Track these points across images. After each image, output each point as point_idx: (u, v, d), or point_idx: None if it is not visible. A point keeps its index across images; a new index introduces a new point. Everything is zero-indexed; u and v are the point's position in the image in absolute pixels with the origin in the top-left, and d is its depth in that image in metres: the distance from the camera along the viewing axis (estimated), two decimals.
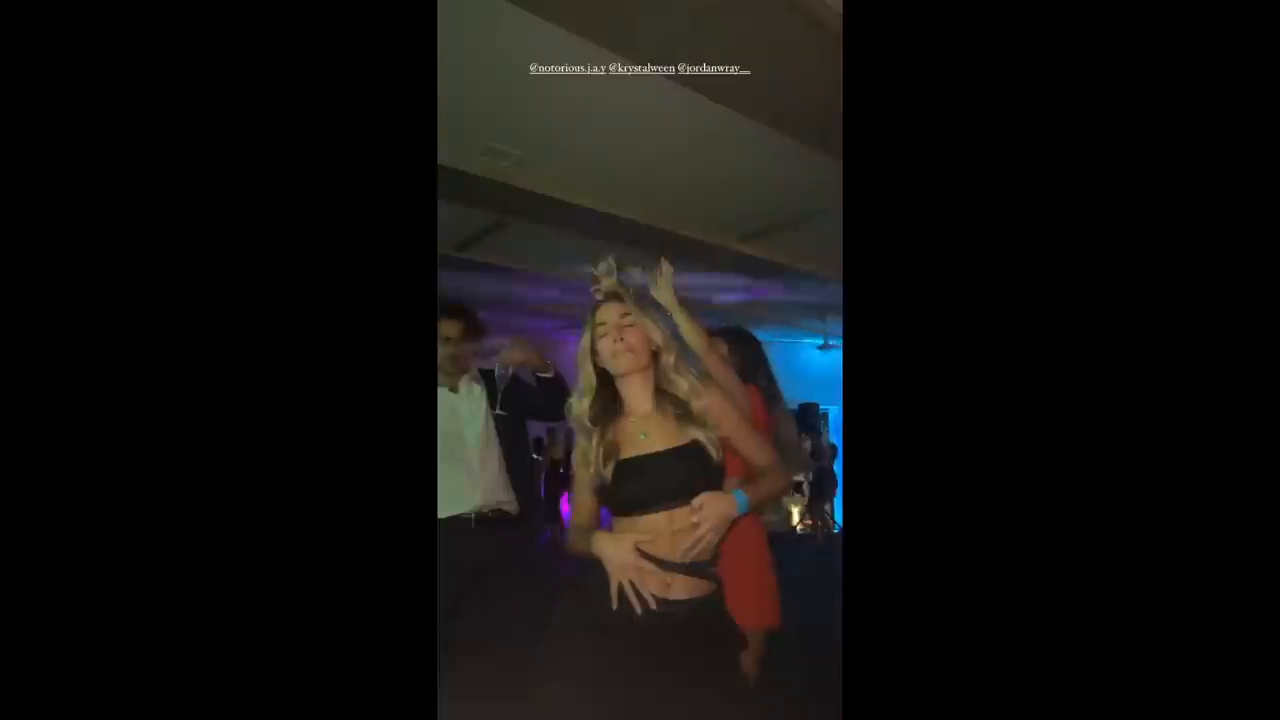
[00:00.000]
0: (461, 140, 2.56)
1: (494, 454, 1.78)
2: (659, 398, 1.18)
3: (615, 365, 1.16)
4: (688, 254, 3.96)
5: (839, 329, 6.12)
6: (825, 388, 6.72)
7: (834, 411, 7.04)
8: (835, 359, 6.99)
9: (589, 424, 1.17)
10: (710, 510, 1.05)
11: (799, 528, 6.84)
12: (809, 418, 5.18)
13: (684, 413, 1.14)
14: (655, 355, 1.18)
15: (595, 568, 1.10)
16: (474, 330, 1.83)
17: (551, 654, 1.08)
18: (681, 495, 1.08)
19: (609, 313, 1.18)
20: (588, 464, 1.15)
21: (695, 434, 1.12)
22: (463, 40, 1.87)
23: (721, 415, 1.16)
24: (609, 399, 1.19)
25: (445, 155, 2.59)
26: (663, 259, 1.45)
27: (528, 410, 1.89)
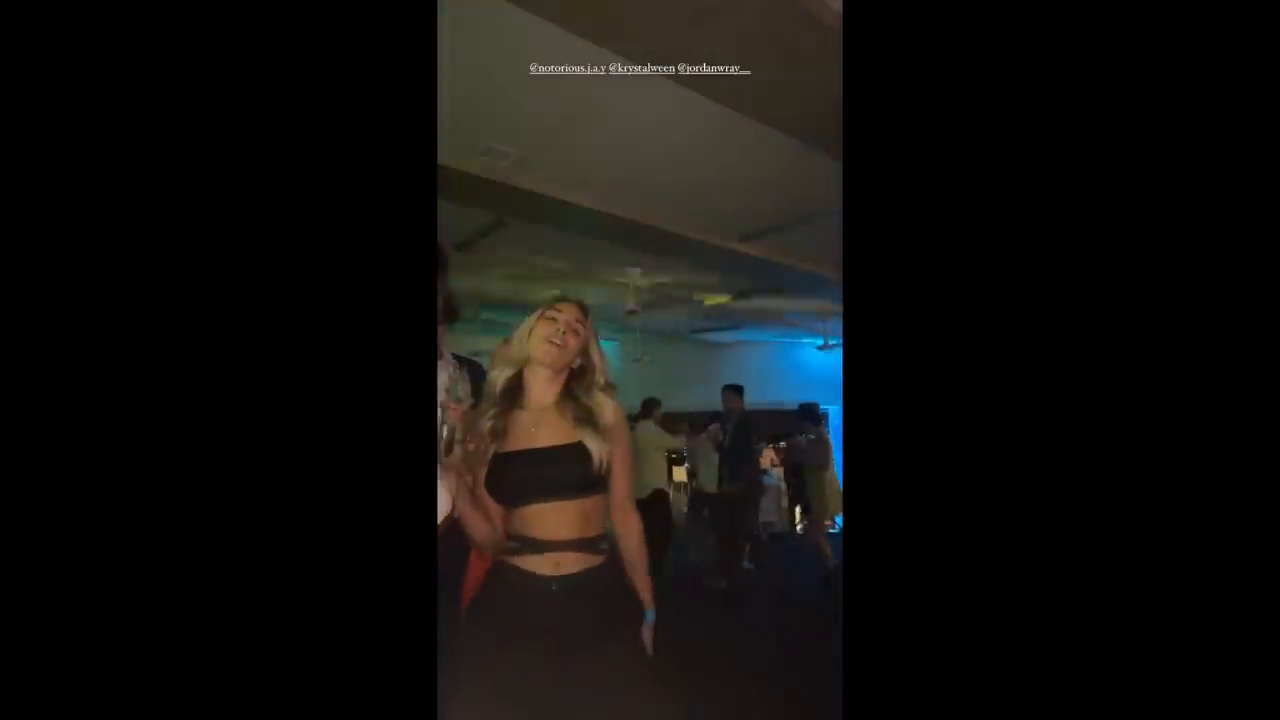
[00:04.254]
0: (461, 140, 2.55)
1: None
2: (562, 397, 1.19)
3: (540, 351, 1.18)
4: (688, 254, 3.96)
5: (839, 329, 6.13)
6: (825, 388, 6.73)
7: (834, 411, 7.05)
8: (835, 359, 7.00)
9: (494, 400, 1.19)
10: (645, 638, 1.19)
11: (799, 528, 6.84)
12: (808, 416, 5.25)
13: (583, 417, 1.16)
14: (578, 372, 1.22)
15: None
16: (446, 312, 1.78)
17: (465, 635, 1.13)
18: (564, 491, 1.11)
19: (569, 309, 1.21)
20: (477, 440, 1.17)
21: (584, 437, 1.14)
22: (463, 40, 1.86)
23: (618, 436, 1.19)
24: (516, 385, 1.21)
25: (445, 155, 2.58)
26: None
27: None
